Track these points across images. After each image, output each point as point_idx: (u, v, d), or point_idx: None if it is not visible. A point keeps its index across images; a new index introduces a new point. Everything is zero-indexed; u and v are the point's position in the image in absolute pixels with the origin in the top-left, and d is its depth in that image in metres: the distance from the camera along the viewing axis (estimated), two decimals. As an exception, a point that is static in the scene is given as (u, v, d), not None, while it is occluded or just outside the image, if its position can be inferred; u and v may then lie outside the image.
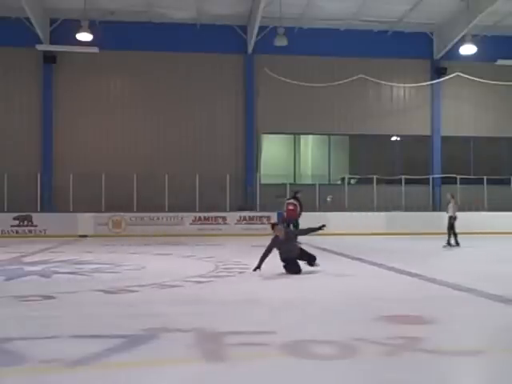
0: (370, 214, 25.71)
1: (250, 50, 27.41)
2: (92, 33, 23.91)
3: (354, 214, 25.40)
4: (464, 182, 27.47)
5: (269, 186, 26.65)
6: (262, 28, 26.18)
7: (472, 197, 27.09)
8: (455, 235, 18.57)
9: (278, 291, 9.03)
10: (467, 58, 26.73)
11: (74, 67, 26.65)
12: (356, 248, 17.52)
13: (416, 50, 28.36)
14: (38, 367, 4.58)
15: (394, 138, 29.23)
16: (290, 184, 26.94)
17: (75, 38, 24.00)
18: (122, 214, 24.51)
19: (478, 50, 25.77)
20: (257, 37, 26.53)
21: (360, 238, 22.62)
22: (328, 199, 26.14)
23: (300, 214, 19.23)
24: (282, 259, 10.94)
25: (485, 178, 27.58)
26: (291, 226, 18.24)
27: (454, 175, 27.44)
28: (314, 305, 7.63)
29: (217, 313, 7.01)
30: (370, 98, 28.59)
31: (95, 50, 24.80)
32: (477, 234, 23.91)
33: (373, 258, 13.75)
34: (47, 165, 26.29)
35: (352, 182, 28.28)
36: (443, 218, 25.41)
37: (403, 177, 27.15)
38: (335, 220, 24.89)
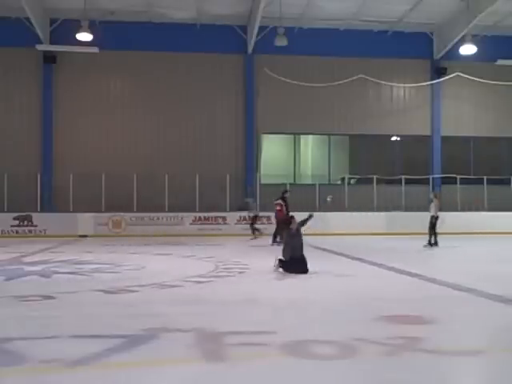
0: (369, 214, 25.71)
1: (250, 49, 27.41)
2: (92, 33, 23.91)
3: (354, 214, 25.41)
4: (464, 182, 27.48)
5: (269, 186, 26.61)
6: (262, 28, 26.18)
7: (472, 197, 27.10)
8: (435, 235, 18.61)
9: (278, 291, 9.04)
10: (467, 57, 26.73)
11: (74, 67, 26.66)
12: (356, 248, 17.53)
13: (416, 50, 28.36)
14: (38, 367, 4.58)
15: (394, 138, 29.23)
16: (290, 184, 26.92)
17: (75, 38, 23.99)
18: (122, 213, 24.52)
19: (478, 50, 25.77)
20: (257, 37, 26.53)
21: (360, 238, 22.64)
22: (328, 199, 25.99)
23: (287, 215, 19.29)
24: (290, 256, 10.92)
25: (485, 178, 27.57)
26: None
27: (454, 175, 27.43)
28: (313, 305, 7.62)
29: (217, 313, 7.01)
30: (369, 98, 28.59)
31: (95, 49, 24.80)
32: (477, 233, 23.93)
33: (373, 258, 13.74)
34: (47, 165, 26.28)
35: (352, 182, 28.29)
36: (443, 218, 25.52)
37: (403, 177, 27.15)
38: (335, 220, 24.98)
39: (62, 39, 25.22)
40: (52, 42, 26.04)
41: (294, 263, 10.80)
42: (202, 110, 27.40)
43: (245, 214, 23.91)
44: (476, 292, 8.54)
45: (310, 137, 29.59)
